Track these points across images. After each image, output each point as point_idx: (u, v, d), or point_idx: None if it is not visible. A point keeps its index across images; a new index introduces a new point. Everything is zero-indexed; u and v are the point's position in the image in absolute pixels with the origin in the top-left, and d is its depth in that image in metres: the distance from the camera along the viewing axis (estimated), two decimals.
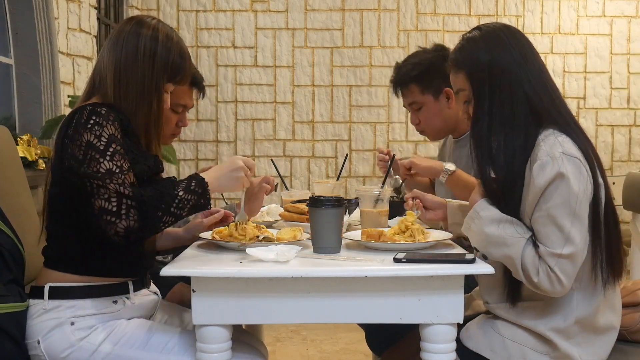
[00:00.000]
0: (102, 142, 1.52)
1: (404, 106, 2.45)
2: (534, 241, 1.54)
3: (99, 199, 1.48)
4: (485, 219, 1.56)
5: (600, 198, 1.56)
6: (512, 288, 1.62)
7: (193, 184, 1.57)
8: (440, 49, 2.38)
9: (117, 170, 1.50)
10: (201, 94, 2.35)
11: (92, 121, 1.53)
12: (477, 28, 1.69)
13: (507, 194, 1.59)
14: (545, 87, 1.61)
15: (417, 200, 1.82)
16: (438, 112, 2.35)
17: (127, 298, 1.65)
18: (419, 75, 2.33)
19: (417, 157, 2.19)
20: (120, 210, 1.47)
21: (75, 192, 1.55)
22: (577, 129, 1.60)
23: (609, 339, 1.64)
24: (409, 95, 2.38)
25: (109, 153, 1.51)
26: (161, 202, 1.50)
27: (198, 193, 1.57)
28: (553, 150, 1.51)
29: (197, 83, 2.29)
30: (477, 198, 1.62)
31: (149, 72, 1.64)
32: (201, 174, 1.61)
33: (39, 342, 1.57)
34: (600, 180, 1.57)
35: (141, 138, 1.65)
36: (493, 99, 1.60)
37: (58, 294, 1.59)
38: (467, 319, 1.67)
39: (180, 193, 1.54)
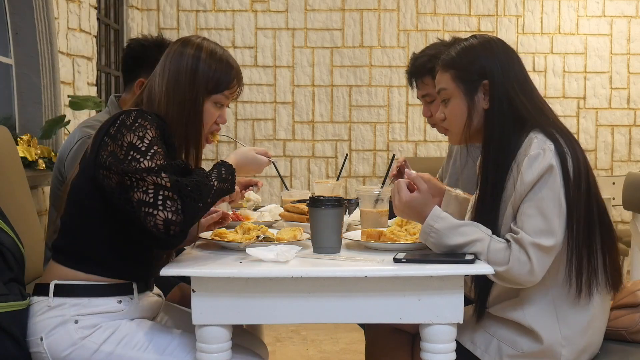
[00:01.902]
0: (144, 144, 1.54)
1: (417, 97, 2.44)
2: (498, 237, 1.57)
3: (138, 192, 1.49)
4: (442, 230, 1.57)
5: (592, 199, 1.59)
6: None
7: (223, 171, 1.64)
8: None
9: (156, 168, 1.52)
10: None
11: (137, 123, 1.57)
12: (473, 36, 1.74)
13: (494, 195, 1.62)
14: (531, 94, 1.67)
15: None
16: None
17: (132, 298, 1.65)
18: (434, 69, 2.31)
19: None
20: (157, 201, 1.47)
21: (102, 190, 1.56)
22: (563, 130, 1.63)
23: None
24: (423, 88, 2.35)
25: (149, 154, 1.53)
26: (199, 193, 1.53)
27: (228, 180, 1.64)
28: (545, 145, 1.56)
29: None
30: (427, 209, 1.62)
31: (189, 90, 1.67)
32: (226, 160, 1.70)
33: (41, 339, 1.57)
34: (589, 182, 1.60)
35: (181, 153, 1.69)
36: (478, 101, 1.67)
37: (63, 291, 1.59)
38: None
39: (215, 183, 1.60)
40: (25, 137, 2.87)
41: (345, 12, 4.87)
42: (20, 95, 3.23)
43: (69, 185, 1.66)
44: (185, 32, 4.80)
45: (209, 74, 1.69)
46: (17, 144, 2.60)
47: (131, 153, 1.53)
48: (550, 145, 1.56)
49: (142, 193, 1.48)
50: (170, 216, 1.47)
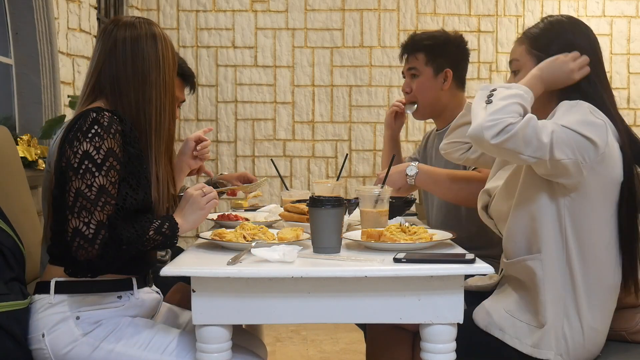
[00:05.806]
0: (100, 155, 1.53)
1: (402, 72, 2.52)
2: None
3: (78, 220, 1.51)
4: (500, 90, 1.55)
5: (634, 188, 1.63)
6: None
7: (165, 226, 1.62)
8: (459, 36, 2.45)
9: (110, 188, 1.53)
10: (192, 90, 2.37)
11: (93, 130, 1.55)
12: (562, 16, 1.81)
13: None
14: (601, 79, 1.77)
15: None
16: (431, 87, 2.41)
17: (132, 294, 1.66)
18: (430, 46, 2.39)
19: (381, 174, 2.13)
20: (96, 239, 1.50)
21: None
22: (617, 116, 1.72)
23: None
24: (412, 61, 2.44)
25: (104, 167, 1.53)
26: (132, 242, 1.55)
27: (167, 235, 1.62)
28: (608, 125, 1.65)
29: (187, 77, 2.32)
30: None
31: (160, 75, 1.68)
32: (175, 217, 1.66)
33: (43, 336, 1.58)
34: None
35: (157, 139, 1.71)
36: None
37: (64, 288, 1.61)
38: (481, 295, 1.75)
39: (151, 233, 1.59)
40: (25, 137, 2.87)
41: (345, 12, 4.87)
42: (20, 95, 3.23)
43: (50, 195, 1.65)
44: (185, 32, 4.80)
45: (170, 56, 1.71)
46: (17, 144, 2.60)
47: (86, 163, 1.52)
48: (613, 128, 1.64)
49: (82, 224, 1.50)
50: (101, 254, 1.51)
